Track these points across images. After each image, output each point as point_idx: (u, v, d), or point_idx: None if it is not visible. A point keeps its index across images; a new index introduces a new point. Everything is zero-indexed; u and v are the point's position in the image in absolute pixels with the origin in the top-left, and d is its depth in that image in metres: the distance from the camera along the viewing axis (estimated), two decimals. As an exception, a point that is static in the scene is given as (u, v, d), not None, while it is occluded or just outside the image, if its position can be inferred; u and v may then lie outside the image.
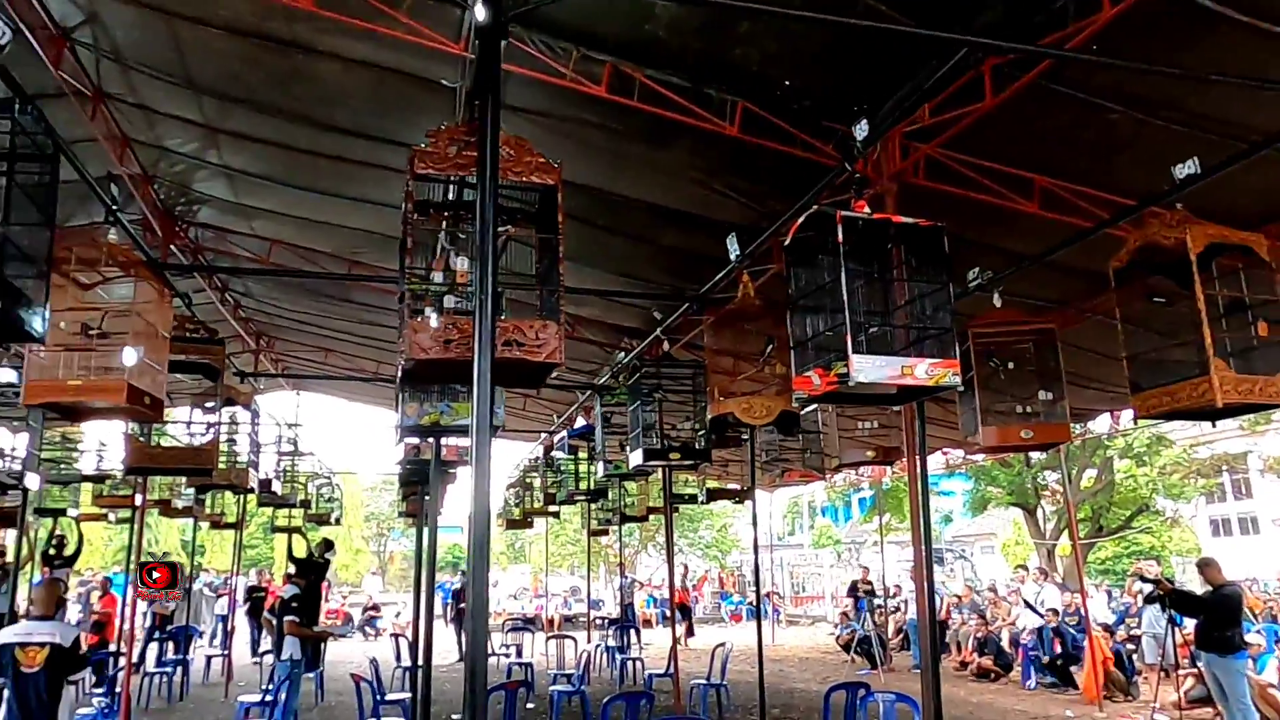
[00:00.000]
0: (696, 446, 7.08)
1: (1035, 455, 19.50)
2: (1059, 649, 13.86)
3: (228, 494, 13.92)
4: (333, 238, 10.09)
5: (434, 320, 3.28)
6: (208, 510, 13.82)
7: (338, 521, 17.05)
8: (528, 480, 15.24)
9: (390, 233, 9.86)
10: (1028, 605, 15.14)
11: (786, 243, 4.25)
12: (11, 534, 13.02)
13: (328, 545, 13.08)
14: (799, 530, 48.89)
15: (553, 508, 14.35)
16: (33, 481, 7.63)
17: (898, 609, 18.50)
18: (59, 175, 3.43)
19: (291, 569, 11.38)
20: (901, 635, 17.78)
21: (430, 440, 6.08)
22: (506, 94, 6.54)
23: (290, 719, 9.77)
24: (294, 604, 10.15)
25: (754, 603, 30.96)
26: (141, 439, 6.32)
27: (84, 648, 6.92)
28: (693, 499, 13.30)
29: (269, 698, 9.90)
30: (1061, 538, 23.42)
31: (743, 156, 6.74)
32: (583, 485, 11.75)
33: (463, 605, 19.30)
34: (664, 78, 5.95)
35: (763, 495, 22.31)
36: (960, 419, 6.28)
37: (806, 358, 4.15)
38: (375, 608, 25.77)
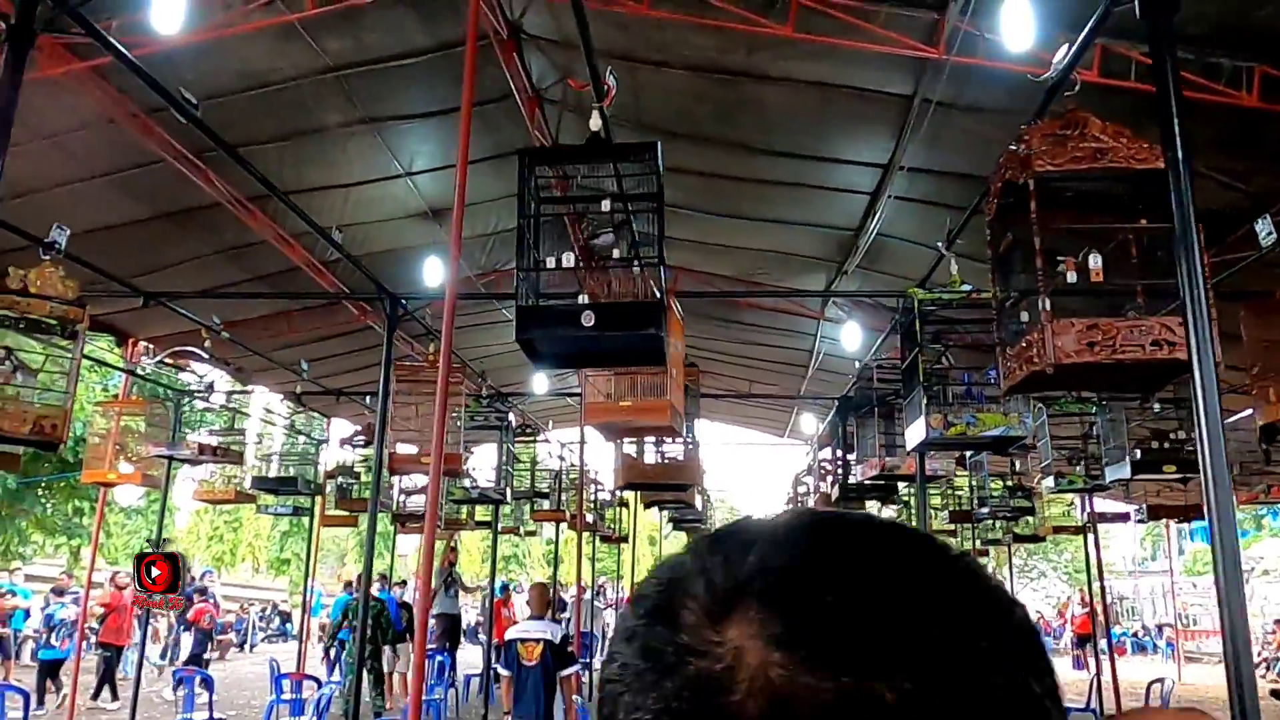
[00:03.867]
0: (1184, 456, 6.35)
1: None
2: None
3: (622, 509, 14.87)
4: (737, 260, 10.41)
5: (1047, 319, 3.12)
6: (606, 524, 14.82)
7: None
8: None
9: (795, 250, 10.01)
10: None
11: None
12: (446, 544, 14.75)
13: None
14: (1159, 555, 43.50)
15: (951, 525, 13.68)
16: (507, 495, 8.51)
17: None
18: (664, 209, 3.73)
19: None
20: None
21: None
22: (963, 94, 6.37)
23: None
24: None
25: (1145, 634, 27.86)
26: (631, 457, 6.85)
27: (572, 645, 7.56)
28: (1121, 517, 12.07)
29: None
30: None
31: (1240, 130, 5.98)
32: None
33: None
34: (1161, 52, 5.42)
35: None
36: None
37: None
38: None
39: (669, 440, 7.29)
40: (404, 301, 6.37)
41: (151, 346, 11.09)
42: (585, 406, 4.95)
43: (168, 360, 7.80)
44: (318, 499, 12.45)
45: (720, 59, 6.58)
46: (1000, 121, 6.53)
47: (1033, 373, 3.13)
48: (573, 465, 12.79)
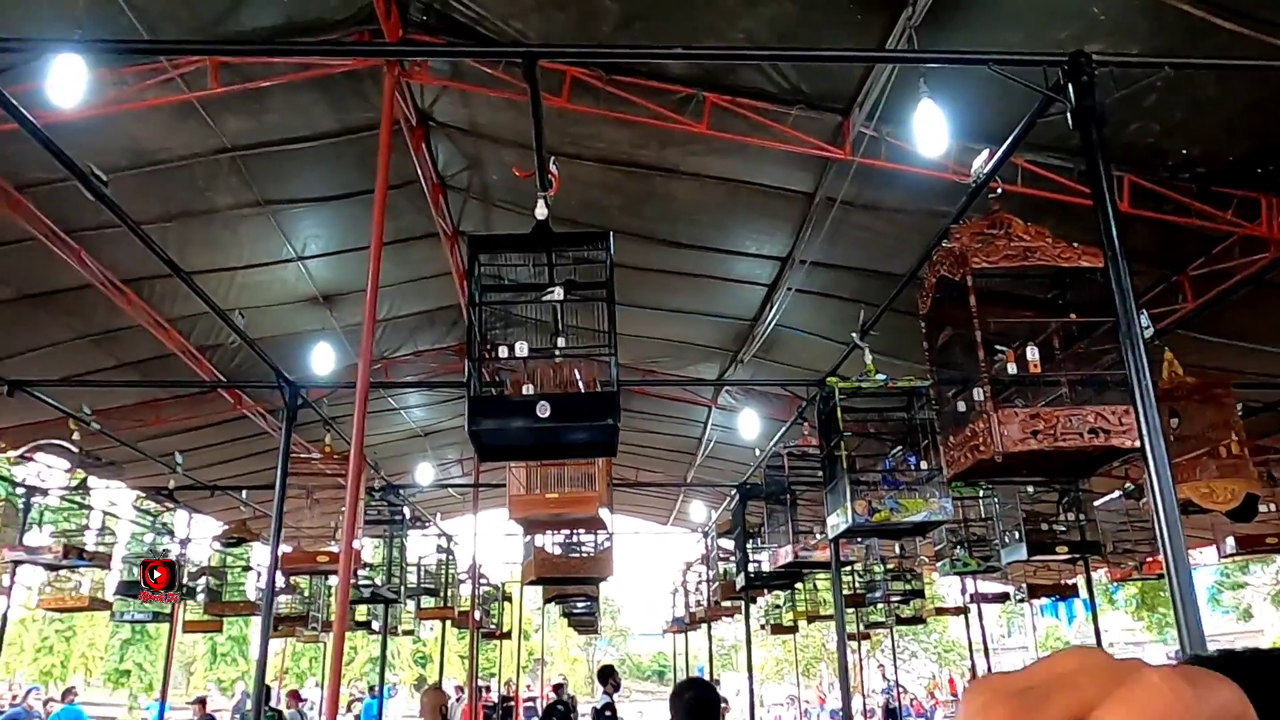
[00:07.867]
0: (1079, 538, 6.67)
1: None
2: None
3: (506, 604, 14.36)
4: (633, 349, 10.45)
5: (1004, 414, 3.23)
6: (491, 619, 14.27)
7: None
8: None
9: (691, 339, 10.16)
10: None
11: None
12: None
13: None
14: (1015, 631, 45.35)
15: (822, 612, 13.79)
16: (401, 593, 8.07)
17: None
18: (614, 300, 3.70)
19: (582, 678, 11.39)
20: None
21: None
22: (862, 193, 6.68)
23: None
24: (607, 713, 10.14)
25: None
26: (544, 550, 6.61)
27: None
28: (1000, 597, 12.53)
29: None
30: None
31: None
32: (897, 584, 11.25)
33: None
34: (1044, 160, 5.88)
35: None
36: None
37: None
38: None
39: (581, 532, 7.12)
40: (303, 390, 6.04)
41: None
42: (509, 499, 4.77)
43: (28, 455, 7.10)
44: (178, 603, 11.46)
45: (633, 153, 6.72)
46: (896, 220, 6.91)
47: (979, 461, 3.24)
48: (454, 559, 12.32)
